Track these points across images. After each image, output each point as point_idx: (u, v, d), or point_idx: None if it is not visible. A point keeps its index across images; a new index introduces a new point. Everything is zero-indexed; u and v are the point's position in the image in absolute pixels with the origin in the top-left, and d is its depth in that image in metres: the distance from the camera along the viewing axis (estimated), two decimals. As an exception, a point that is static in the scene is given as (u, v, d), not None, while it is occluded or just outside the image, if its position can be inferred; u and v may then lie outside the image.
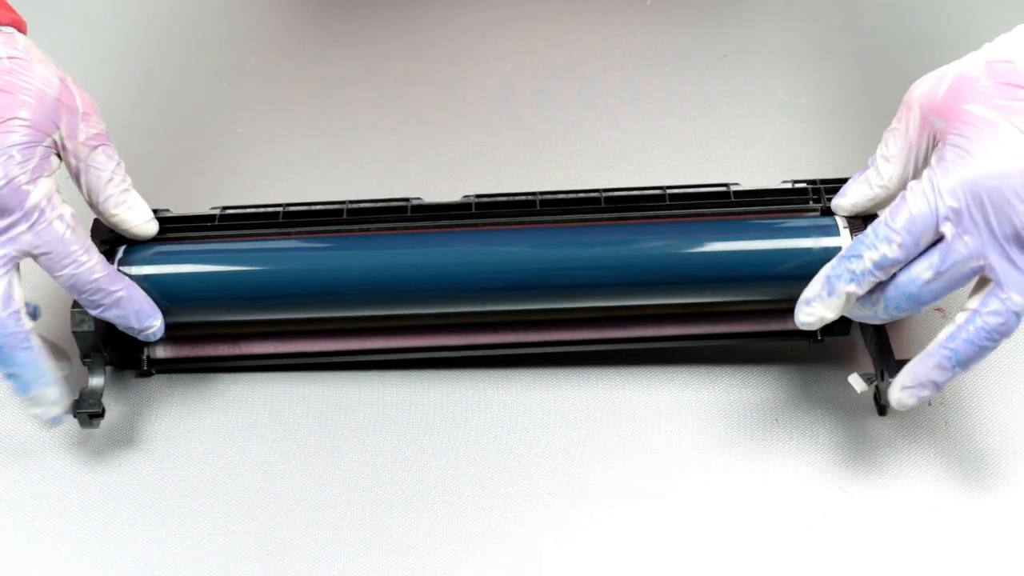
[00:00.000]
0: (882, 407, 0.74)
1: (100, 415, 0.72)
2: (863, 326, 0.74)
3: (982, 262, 0.63)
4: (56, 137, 0.69)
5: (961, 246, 0.63)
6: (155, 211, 0.78)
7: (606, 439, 0.74)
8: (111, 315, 0.70)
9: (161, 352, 0.77)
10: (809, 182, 0.76)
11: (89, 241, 0.70)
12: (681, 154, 0.90)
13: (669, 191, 0.75)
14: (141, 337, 0.72)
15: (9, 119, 0.67)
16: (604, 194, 0.75)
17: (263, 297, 0.73)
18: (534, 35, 1.00)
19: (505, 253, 0.73)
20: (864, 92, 0.92)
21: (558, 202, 0.75)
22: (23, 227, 0.67)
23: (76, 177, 0.71)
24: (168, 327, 0.76)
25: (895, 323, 0.76)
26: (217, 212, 0.77)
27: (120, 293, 0.70)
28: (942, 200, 0.63)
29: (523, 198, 0.75)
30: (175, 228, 0.76)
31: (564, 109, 0.94)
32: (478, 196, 0.75)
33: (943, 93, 0.66)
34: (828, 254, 0.71)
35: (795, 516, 0.70)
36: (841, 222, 0.73)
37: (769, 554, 0.69)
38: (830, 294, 0.67)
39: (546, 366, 0.78)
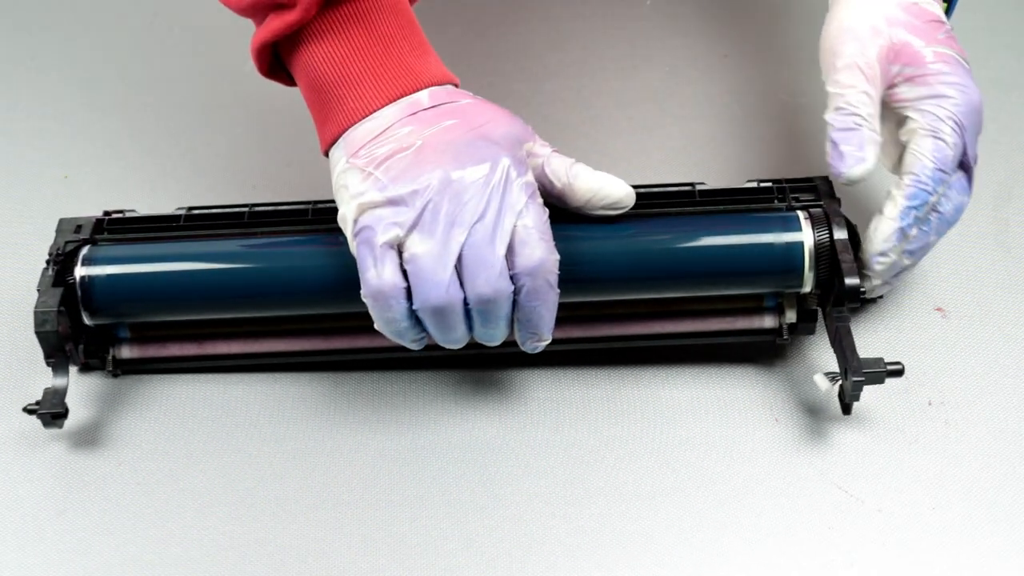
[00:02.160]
0: (847, 406, 0.73)
1: (63, 415, 0.72)
2: (827, 324, 0.74)
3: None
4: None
5: (969, 160, 0.74)
6: (120, 211, 0.78)
7: (606, 439, 0.74)
8: None
9: (127, 352, 0.77)
10: (774, 181, 0.76)
11: None
12: (681, 154, 0.90)
13: (635, 190, 0.75)
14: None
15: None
16: None
17: (228, 296, 0.73)
18: (534, 35, 1.00)
19: None
20: (864, 92, 0.92)
21: None
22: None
23: (541, 169, 0.71)
24: (133, 327, 0.76)
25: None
26: (183, 212, 0.77)
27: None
28: (965, 132, 0.73)
29: None
30: (140, 228, 0.77)
31: (563, 109, 0.94)
32: None
33: (895, 41, 0.73)
34: (791, 249, 0.72)
35: (795, 516, 0.70)
36: (802, 215, 0.73)
37: (769, 554, 0.69)
38: (900, 239, 0.73)
39: (546, 366, 0.78)
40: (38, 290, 0.73)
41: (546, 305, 0.68)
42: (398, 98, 0.69)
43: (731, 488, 0.72)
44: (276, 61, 0.72)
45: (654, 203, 0.75)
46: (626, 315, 0.76)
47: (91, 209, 0.80)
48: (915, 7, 0.74)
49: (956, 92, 0.73)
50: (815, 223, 0.73)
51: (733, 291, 0.74)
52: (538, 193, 0.69)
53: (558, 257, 0.68)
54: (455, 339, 0.69)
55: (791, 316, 0.76)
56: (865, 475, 0.72)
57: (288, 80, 0.73)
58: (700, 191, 0.76)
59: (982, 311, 0.80)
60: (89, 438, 0.75)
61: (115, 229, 0.77)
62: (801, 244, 0.72)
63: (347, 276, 0.70)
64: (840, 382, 0.72)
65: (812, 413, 0.75)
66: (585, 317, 0.76)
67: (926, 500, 0.71)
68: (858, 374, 0.70)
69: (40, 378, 0.75)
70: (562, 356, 0.77)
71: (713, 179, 0.85)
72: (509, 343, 0.71)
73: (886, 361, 0.71)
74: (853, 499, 0.71)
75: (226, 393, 0.77)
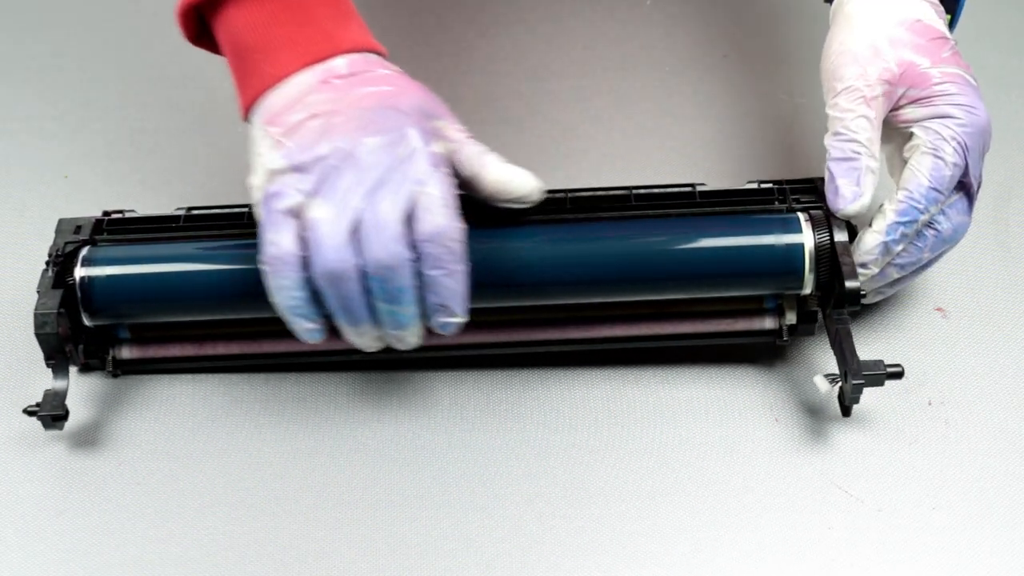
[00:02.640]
0: (846, 408, 0.73)
1: (64, 417, 0.72)
2: (827, 326, 0.74)
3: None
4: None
5: (971, 181, 0.74)
6: (120, 212, 0.78)
7: (606, 439, 0.74)
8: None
9: (127, 353, 0.77)
10: (775, 182, 0.76)
11: None
12: (680, 154, 0.90)
13: (635, 191, 0.75)
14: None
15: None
16: (569, 195, 0.75)
17: (228, 297, 0.73)
18: (534, 35, 1.00)
19: (473, 252, 0.71)
20: (864, 92, 0.92)
21: None
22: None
23: (453, 155, 0.69)
24: (133, 328, 0.76)
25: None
26: (183, 212, 0.77)
27: None
28: (968, 153, 0.72)
29: None
30: (140, 228, 0.76)
31: (564, 109, 0.94)
32: None
33: (899, 62, 0.73)
34: (791, 251, 0.72)
35: (795, 516, 0.70)
36: (803, 217, 0.73)
37: (769, 554, 0.69)
38: (883, 253, 0.73)
39: (546, 366, 0.78)
40: (38, 291, 0.73)
41: (452, 276, 0.66)
42: (314, 63, 0.68)
43: (731, 488, 0.72)
44: (204, 29, 0.71)
45: (654, 204, 0.75)
46: (626, 316, 0.76)
47: (91, 209, 0.80)
48: (919, 24, 0.74)
49: (962, 113, 0.72)
50: (815, 225, 0.73)
51: (733, 293, 0.74)
52: (445, 165, 0.67)
53: (462, 226, 0.66)
54: (357, 320, 0.66)
55: (791, 318, 0.76)
56: (865, 475, 0.72)
57: (215, 48, 0.72)
58: (700, 192, 0.76)
59: (982, 311, 0.80)
60: (89, 438, 0.75)
61: (115, 229, 0.77)
62: (801, 246, 0.72)
63: None
64: (840, 384, 0.72)
65: (812, 413, 0.75)
66: (585, 318, 0.76)
67: (926, 500, 0.71)
68: (858, 377, 0.70)
69: (40, 379, 0.75)
70: (562, 356, 0.77)
71: (713, 180, 0.84)
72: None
73: (886, 363, 0.71)
74: (853, 499, 0.71)
75: (226, 393, 0.77)
